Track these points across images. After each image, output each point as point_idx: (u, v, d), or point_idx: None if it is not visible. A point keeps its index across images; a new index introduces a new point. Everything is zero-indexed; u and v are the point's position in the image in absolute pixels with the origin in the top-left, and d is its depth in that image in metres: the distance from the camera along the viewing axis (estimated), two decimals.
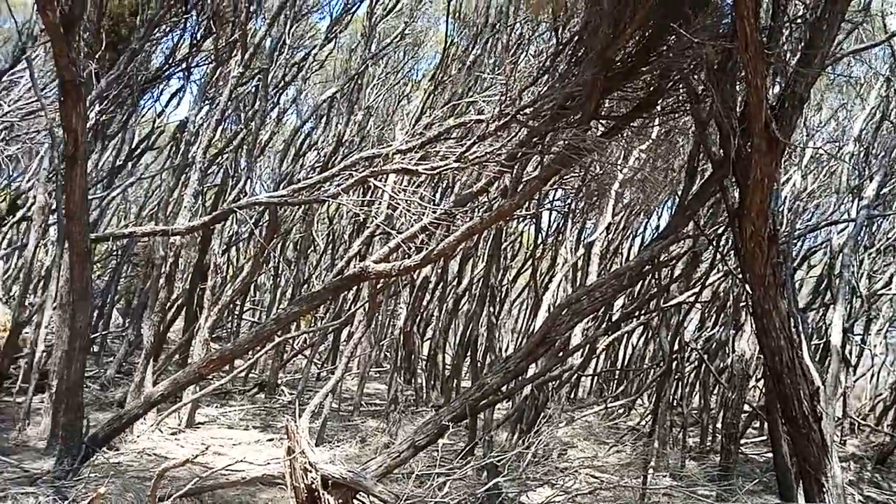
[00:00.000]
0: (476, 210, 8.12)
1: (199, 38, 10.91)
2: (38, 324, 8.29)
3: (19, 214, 11.40)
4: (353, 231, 14.78)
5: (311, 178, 7.11)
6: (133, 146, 12.33)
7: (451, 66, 9.61)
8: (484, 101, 6.47)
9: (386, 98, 12.46)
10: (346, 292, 10.55)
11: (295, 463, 4.37)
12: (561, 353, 6.30)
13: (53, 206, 8.60)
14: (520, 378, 5.66)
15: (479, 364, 8.07)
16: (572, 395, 11.29)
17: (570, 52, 5.54)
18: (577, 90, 5.18)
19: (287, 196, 6.59)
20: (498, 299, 9.97)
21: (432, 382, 11.55)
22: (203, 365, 6.08)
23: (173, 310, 10.99)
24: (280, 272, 15.21)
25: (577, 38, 5.40)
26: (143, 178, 13.38)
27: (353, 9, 10.10)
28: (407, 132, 8.30)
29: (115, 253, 14.42)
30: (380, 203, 7.64)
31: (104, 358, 12.26)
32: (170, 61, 11.04)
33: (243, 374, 11.28)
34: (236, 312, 14.57)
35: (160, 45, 10.98)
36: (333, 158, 10.33)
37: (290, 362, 13.07)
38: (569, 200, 9.62)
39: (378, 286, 8.22)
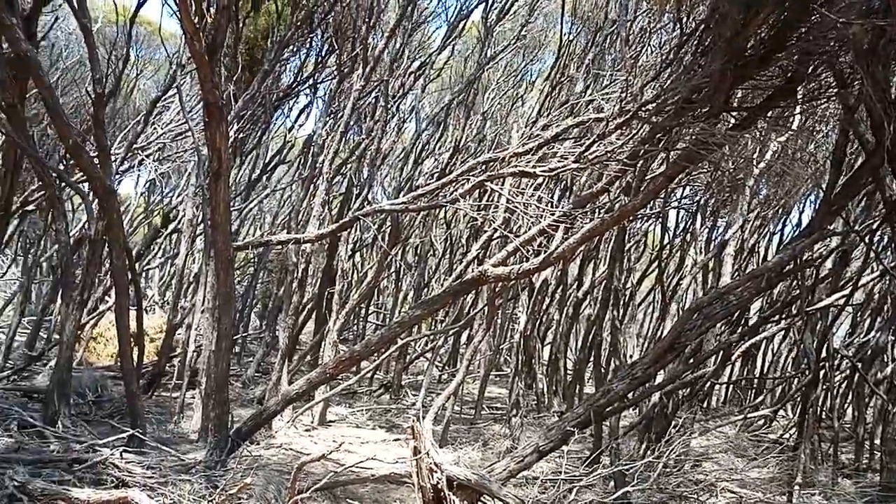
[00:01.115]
0: (596, 211, 7.93)
1: (323, 55, 11.54)
2: (189, 326, 9.11)
3: (171, 227, 12.56)
4: (470, 235, 14.93)
5: (430, 184, 7.26)
6: (267, 160, 13.20)
7: (569, 64, 9.45)
8: (603, 99, 6.29)
9: (502, 101, 12.48)
10: (465, 296, 10.64)
11: (421, 463, 4.46)
12: (692, 360, 5.99)
13: (200, 219, 9.43)
14: (647, 385, 5.44)
15: (602, 369, 7.84)
16: (704, 404, 10.67)
17: (695, 42, 5.26)
18: (705, 82, 4.90)
19: (408, 203, 6.78)
20: (622, 303, 9.64)
21: (554, 388, 11.39)
22: (334, 365, 6.38)
23: (304, 313, 11.65)
24: (401, 276, 15.67)
25: (703, 26, 5.12)
26: (276, 189, 14.27)
27: (468, 14, 10.20)
28: (523, 134, 8.26)
29: (252, 260, 15.54)
30: (497, 207, 7.65)
31: (244, 358, 13.25)
32: (298, 79, 11.72)
33: (369, 375, 11.73)
34: (361, 315, 15.19)
35: (289, 65, 11.73)
36: (451, 164, 10.50)
37: (413, 364, 13.41)
38: (697, 198, 9.12)
39: (497, 290, 8.22)
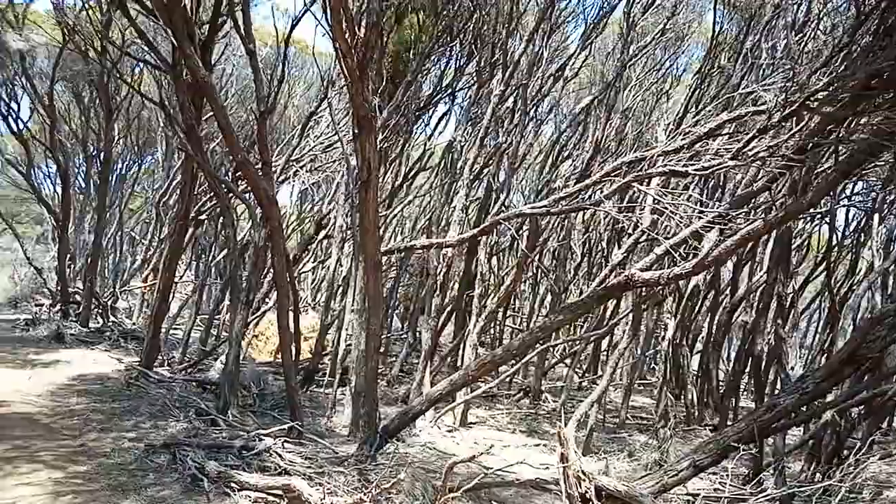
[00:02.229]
0: (754, 211, 7.35)
1: (462, 63, 11.75)
2: (339, 327, 9.65)
3: (322, 234, 13.37)
4: (610, 238, 14.49)
5: (570, 186, 7.14)
6: (408, 168, 13.67)
7: (720, 55, 8.86)
8: (763, 91, 5.83)
9: (644, 98, 12.00)
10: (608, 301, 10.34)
11: (569, 470, 4.37)
12: (872, 374, 5.37)
13: (349, 225, 9.96)
14: (819, 401, 4.94)
15: (762, 382, 7.25)
16: (885, 425, 9.52)
17: (875, 21, 4.72)
18: (889, 65, 4.38)
19: (548, 206, 6.70)
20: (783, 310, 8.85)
21: (704, 399, 10.71)
22: (476, 368, 6.45)
23: (444, 315, 11.91)
24: (538, 280, 15.54)
25: (886, 4, 4.59)
26: (417, 196, 14.73)
27: (610, 11, 9.91)
28: (670, 132, 7.87)
29: (394, 265, 16.16)
30: (643, 208, 7.35)
31: (388, 358, 13.79)
32: (438, 88, 12.03)
33: (508, 378, 11.74)
34: (498, 319, 15.25)
35: (429, 75, 12.07)
36: (591, 165, 10.25)
37: (552, 370, 13.24)
38: (873, 194, 8.15)
39: (643, 295, 7.90)
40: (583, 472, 4.36)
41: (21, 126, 14.68)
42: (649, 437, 8.65)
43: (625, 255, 6.80)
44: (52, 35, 13.13)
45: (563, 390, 10.23)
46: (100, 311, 13.89)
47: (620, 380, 10.73)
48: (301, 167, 13.52)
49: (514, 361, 9.19)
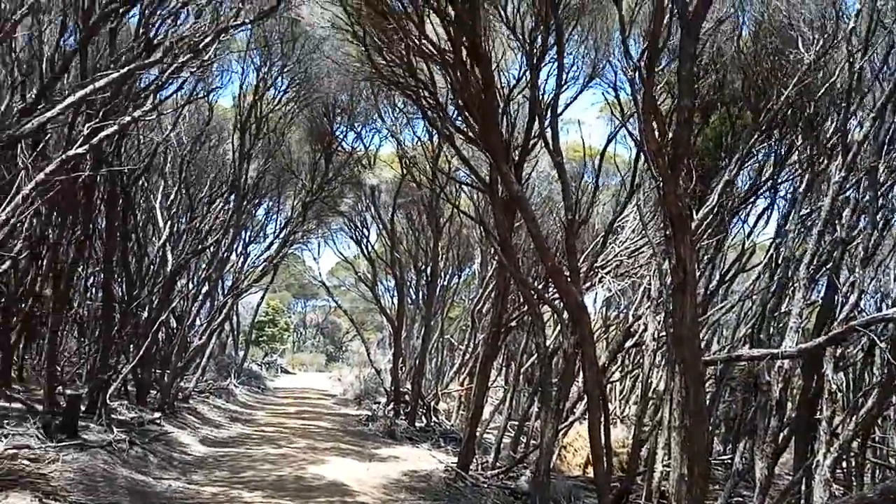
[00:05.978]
0: None
1: (783, 153, 10.63)
2: (654, 444, 8.84)
3: (631, 342, 12.81)
4: None
5: None
6: (724, 270, 12.54)
7: None
8: None
9: None
10: None
11: None
12: None
13: (661, 332, 9.34)
14: None
15: None
16: None
17: None
18: None
19: None
20: None
21: None
22: None
23: (780, 441, 10.13)
24: None
25: None
26: (739, 301, 13.33)
27: None
28: None
29: (712, 376, 14.59)
30: None
31: (709, 485, 12.14)
32: (756, 183, 11.05)
33: None
34: (856, 450, 12.43)
35: (745, 169, 11.13)
36: None
37: None
38: None
39: None
40: None
41: (370, 248, 17.59)
42: None
43: None
44: (394, 171, 15.74)
45: None
46: (424, 410, 15.19)
47: None
48: (606, 273, 13.39)
49: None
